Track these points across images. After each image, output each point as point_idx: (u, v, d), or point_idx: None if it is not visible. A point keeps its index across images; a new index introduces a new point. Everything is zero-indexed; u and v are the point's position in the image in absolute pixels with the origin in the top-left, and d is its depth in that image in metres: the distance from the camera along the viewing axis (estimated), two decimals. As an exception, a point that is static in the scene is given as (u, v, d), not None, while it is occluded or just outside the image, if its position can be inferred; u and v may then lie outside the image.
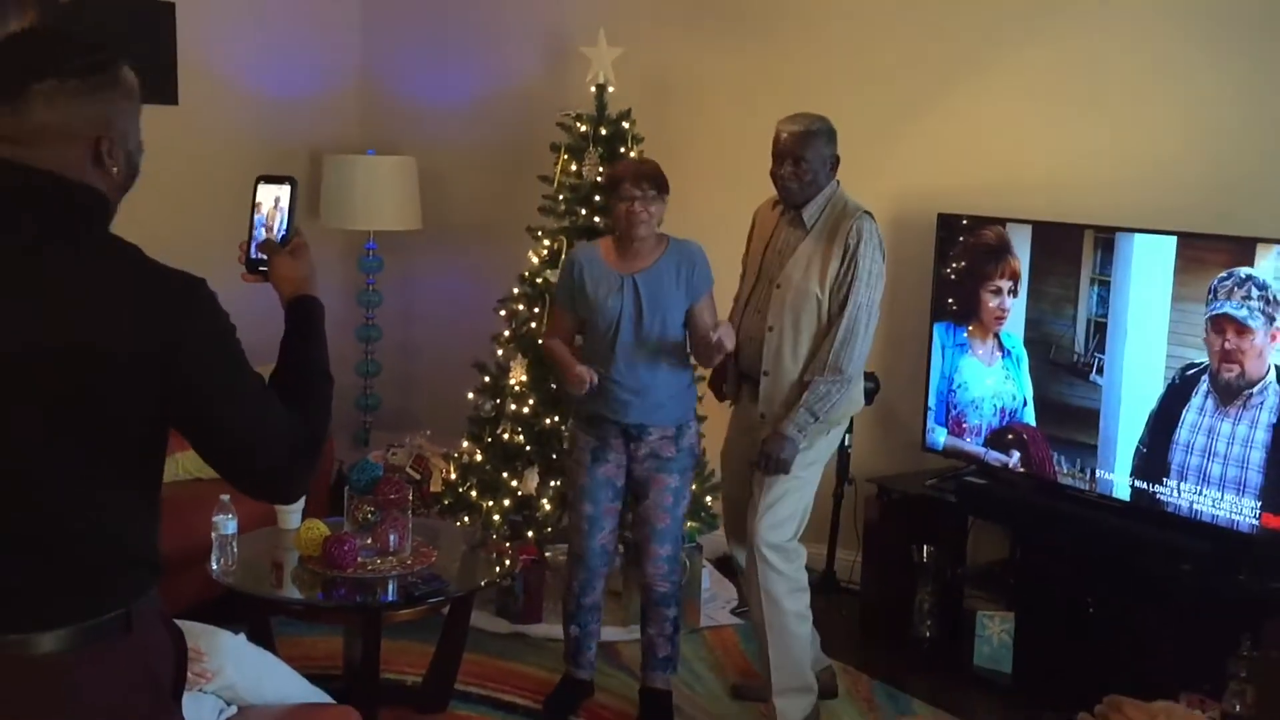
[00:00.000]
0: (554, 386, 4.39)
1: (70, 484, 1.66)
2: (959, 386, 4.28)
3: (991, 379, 4.19)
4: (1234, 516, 3.58)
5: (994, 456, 4.19)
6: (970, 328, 4.24)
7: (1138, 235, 3.81)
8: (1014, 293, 4.12)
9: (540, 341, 4.22)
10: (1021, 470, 4.12)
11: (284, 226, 1.94)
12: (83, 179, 1.68)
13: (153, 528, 1.79)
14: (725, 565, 4.53)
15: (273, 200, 1.95)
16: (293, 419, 1.76)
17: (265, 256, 1.92)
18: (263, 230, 1.94)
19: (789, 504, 3.52)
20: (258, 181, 1.97)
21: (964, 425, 4.28)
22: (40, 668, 1.67)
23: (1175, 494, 3.72)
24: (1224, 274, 3.57)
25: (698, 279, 3.55)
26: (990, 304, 4.16)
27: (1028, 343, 4.09)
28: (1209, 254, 3.64)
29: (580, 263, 3.62)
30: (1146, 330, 3.79)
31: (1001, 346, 4.14)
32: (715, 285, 3.64)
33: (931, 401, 4.36)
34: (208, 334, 1.69)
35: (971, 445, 4.26)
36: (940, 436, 4.34)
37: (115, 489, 1.71)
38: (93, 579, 1.71)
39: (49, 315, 1.62)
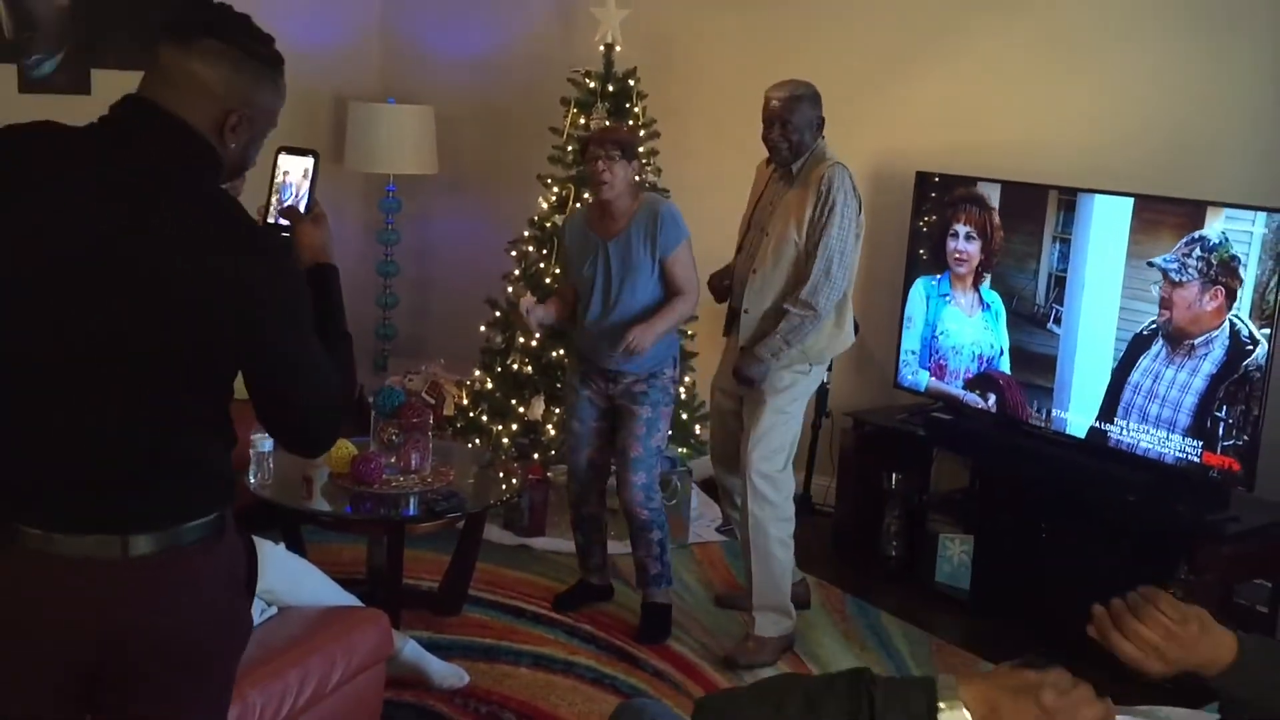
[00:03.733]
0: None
1: (159, 407, 1.65)
2: (941, 334, 4.20)
3: (971, 329, 4.11)
4: (1177, 454, 3.55)
5: (971, 399, 4.11)
6: (953, 279, 4.14)
7: (1097, 196, 3.74)
8: (973, 239, 4.05)
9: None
10: (995, 413, 4.02)
11: (308, 197, 1.89)
12: (205, 134, 1.67)
13: (230, 448, 1.79)
14: (712, 487, 4.49)
15: (300, 171, 1.90)
16: (335, 383, 1.75)
17: (286, 222, 1.88)
18: (288, 198, 1.89)
19: (778, 435, 3.49)
20: (278, 151, 1.91)
21: (945, 369, 4.21)
22: (138, 567, 1.66)
23: (1124, 433, 3.69)
24: (1187, 235, 3.51)
25: (664, 236, 3.38)
26: (955, 251, 4.08)
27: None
28: (1163, 215, 3.58)
29: (567, 230, 3.56)
30: (1102, 284, 3.73)
31: (982, 301, 4.06)
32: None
33: (914, 345, 4.27)
34: (290, 296, 1.67)
35: (952, 388, 4.16)
36: (923, 378, 4.26)
37: (198, 417, 1.71)
38: (187, 489, 1.70)
39: (151, 250, 1.59)
